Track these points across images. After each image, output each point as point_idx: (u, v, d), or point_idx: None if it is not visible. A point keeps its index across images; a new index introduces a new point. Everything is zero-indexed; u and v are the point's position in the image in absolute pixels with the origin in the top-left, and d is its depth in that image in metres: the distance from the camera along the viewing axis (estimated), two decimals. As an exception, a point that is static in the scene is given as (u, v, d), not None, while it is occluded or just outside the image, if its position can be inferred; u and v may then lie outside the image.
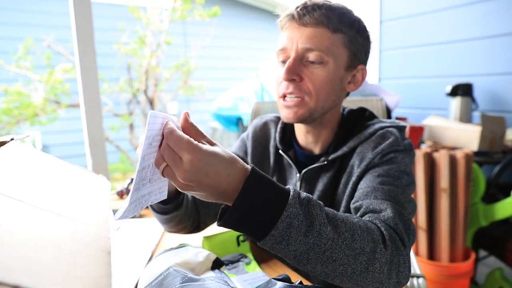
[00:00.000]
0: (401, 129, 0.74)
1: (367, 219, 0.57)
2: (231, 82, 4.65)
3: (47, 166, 0.51)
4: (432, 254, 1.69)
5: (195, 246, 0.73)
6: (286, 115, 0.71)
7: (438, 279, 1.63)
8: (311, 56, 0.67)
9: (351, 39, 0.69)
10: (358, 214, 0.61)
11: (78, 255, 0.33)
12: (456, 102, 2.10)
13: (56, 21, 3.84)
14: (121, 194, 1.27)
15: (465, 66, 2.24)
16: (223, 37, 4.52)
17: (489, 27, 2.10)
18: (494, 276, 1.70)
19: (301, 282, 0.61)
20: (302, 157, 0.79)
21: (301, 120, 0.71)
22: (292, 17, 0.68)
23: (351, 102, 1.10)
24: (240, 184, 0.45)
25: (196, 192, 0.46)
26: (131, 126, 3.64)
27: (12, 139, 0.52)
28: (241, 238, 0.79)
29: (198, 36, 4.42)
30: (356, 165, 0.70)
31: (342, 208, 0.72)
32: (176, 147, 0.43)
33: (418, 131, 1.79)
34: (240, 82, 3.26)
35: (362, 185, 0.67)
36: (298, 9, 0.68)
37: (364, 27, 0.72)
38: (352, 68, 0.72)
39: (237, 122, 3.07)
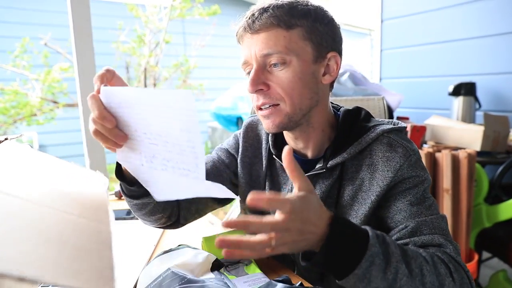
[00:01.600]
0: (401, 130, 0.71)
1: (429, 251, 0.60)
2: (230, 82, 4.64)
3: (46, 165, 0.52)
4: (434, 256, 1.67)
5: (194, 247, 0.73)
6: (266, 126, 0.70)
7: (441, 281, 1.61)
8: (272, 60, 0.65)
9: (310, 30, 0.66)
10: None
11: (81, 248, 0.35)
12: (458, 102, 2.08)
13: (53, 19, 3.81)
14: (120, 195, 1.25)
15: (467, 65, 2.22)
16: (222, 36, 4.50)
17: (491, 26, 2.09)
18: (498, 278, 1.68)
19: (301, 284, 0.60)
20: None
21: (282, 128, 0.69)
22: (244, 28, 0.68)
23: (352, 101, 1.08)
24: (327, 229, 0.49)
25: (291, 240, 0.47)
26: (130, 126, 3.61)
27: (6, 139, 0.52)
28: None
29: (197, 35, 4.41)
30: (367, 178, 0.68)
31: None
32: (282, 207, 0.46)
33: (420, 131, 1.77)
34: (240, 82, 3.24)
35: (395, 215, 0.65)
36: (247, 18, 0.67)
37: (322, 14, 0.68)
38: (322, 59, 0.68)
39: (237, 122, 3.06)
